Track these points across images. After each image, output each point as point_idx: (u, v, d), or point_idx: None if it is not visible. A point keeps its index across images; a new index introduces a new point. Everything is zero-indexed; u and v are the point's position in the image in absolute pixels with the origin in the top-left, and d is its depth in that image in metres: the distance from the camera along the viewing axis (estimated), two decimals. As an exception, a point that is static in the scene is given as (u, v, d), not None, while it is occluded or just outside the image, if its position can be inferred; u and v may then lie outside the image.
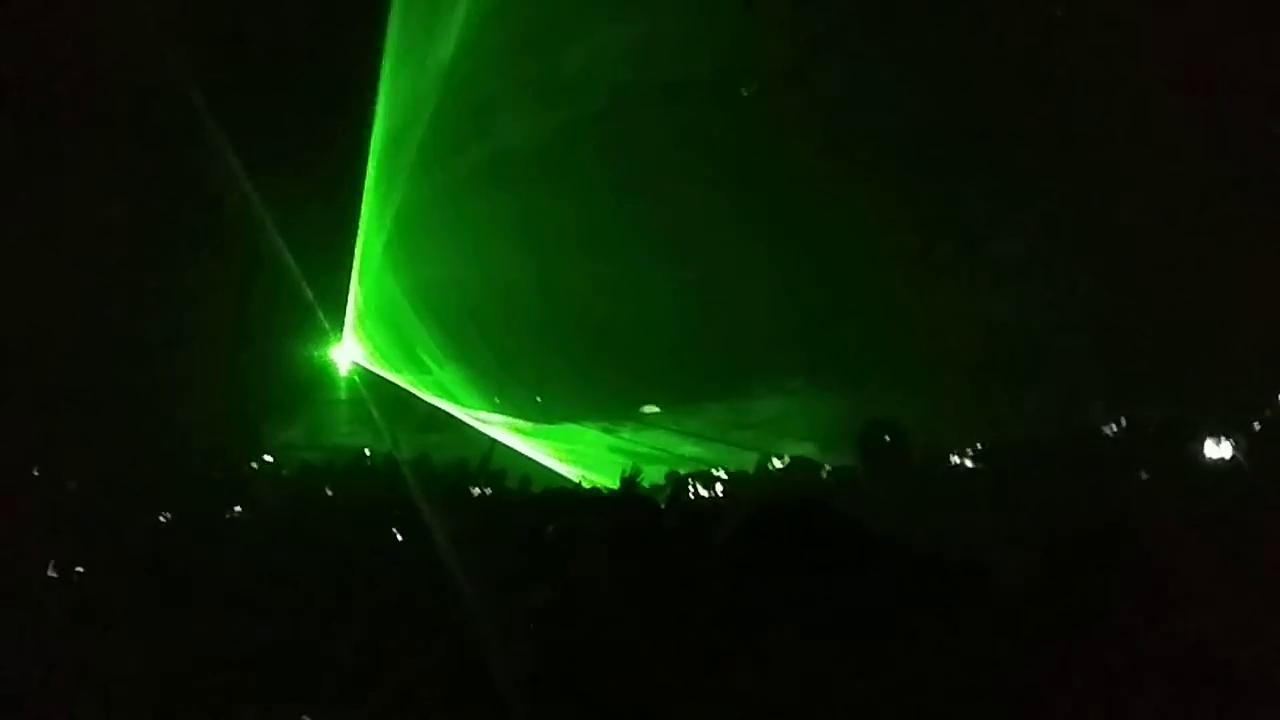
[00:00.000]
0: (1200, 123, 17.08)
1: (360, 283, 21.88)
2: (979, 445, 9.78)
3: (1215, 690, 2.92)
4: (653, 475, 13.75)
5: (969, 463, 9.23)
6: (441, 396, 22.23)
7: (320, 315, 19.95)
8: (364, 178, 20.91)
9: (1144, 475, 6.07)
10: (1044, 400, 16.85)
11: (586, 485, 14.49)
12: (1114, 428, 10.14)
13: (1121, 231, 18.39)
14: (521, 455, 19.79)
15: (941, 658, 2.62)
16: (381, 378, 22.09)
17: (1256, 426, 9.27)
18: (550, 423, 22.82)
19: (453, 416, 21.89)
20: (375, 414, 18.86)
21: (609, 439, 21.87)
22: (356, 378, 21.95)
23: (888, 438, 5.51)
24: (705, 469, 13.12)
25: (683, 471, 13.17)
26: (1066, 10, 18.09)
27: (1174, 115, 17.42)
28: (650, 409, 23.14)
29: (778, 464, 13.13)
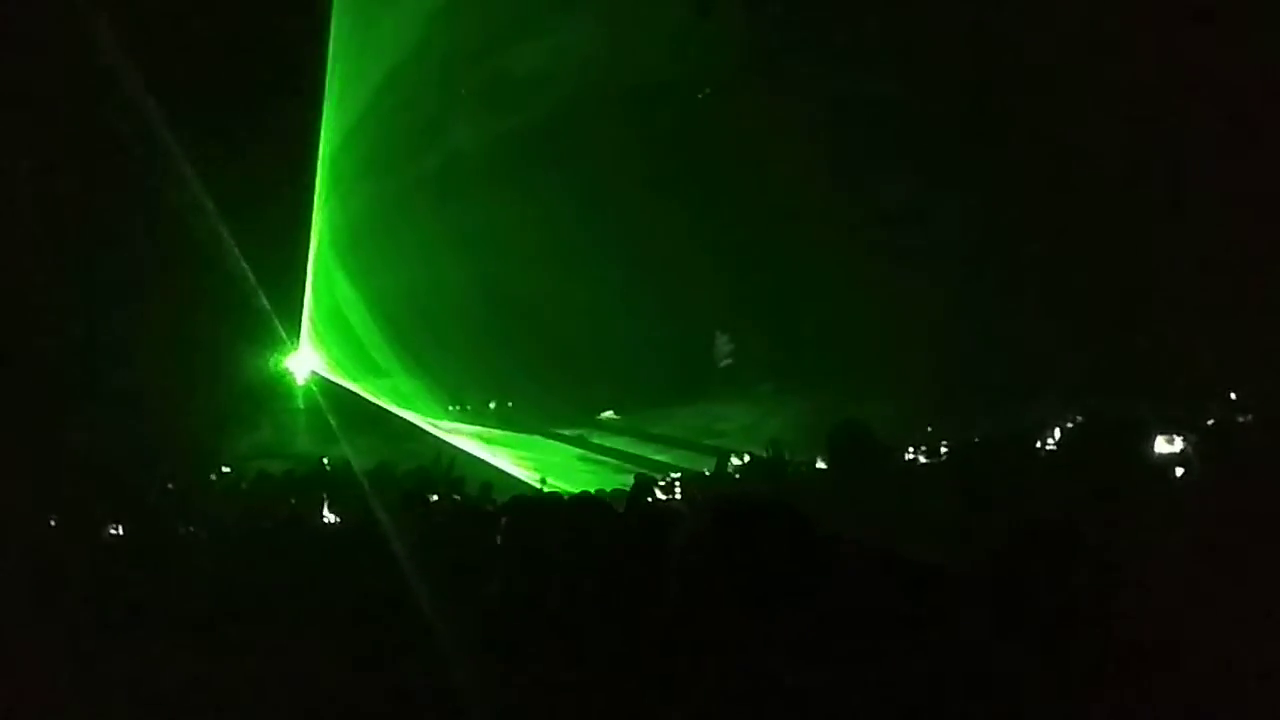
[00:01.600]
0: (1164, 122, 17.22)
1: (314, 291, 21.72)
2: (943, 443, 9.88)
3: (1174, 684, 2.95)
4: (622, 483, 13.69)
5: (925, 459, 9.33)
6: (400, 404, 22.10)
7: (276, 324, 19.81)
8: (314, 185, 20.79)
9: (1099, 471, 6.13)
10: (1004, 398, 16.96)
11: (546, 490, 14.43)
12: (1070, 424, 10.27)
13: (1081, 233, 18.56)
14: (482, 462, 19.70)
15: (902, 654, 2.62)
16: (339, 386, 21.93)
17: (1209, 423, 9.41)
18: (510, 429, 22.76)
19: (412, 424, 21.77)
20: (333, 423, 18.70)
21: (577, 448, 21.75)
22: (314, 386, 21.77)
23: (854, 437, 5.50)
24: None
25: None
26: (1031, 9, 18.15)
27: (1135, 114, 17.56)
28: (609, 415, 23.12)
29: (736, 463, 13.20)
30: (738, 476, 12.10)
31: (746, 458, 13.32)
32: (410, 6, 20.99)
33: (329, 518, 8.90)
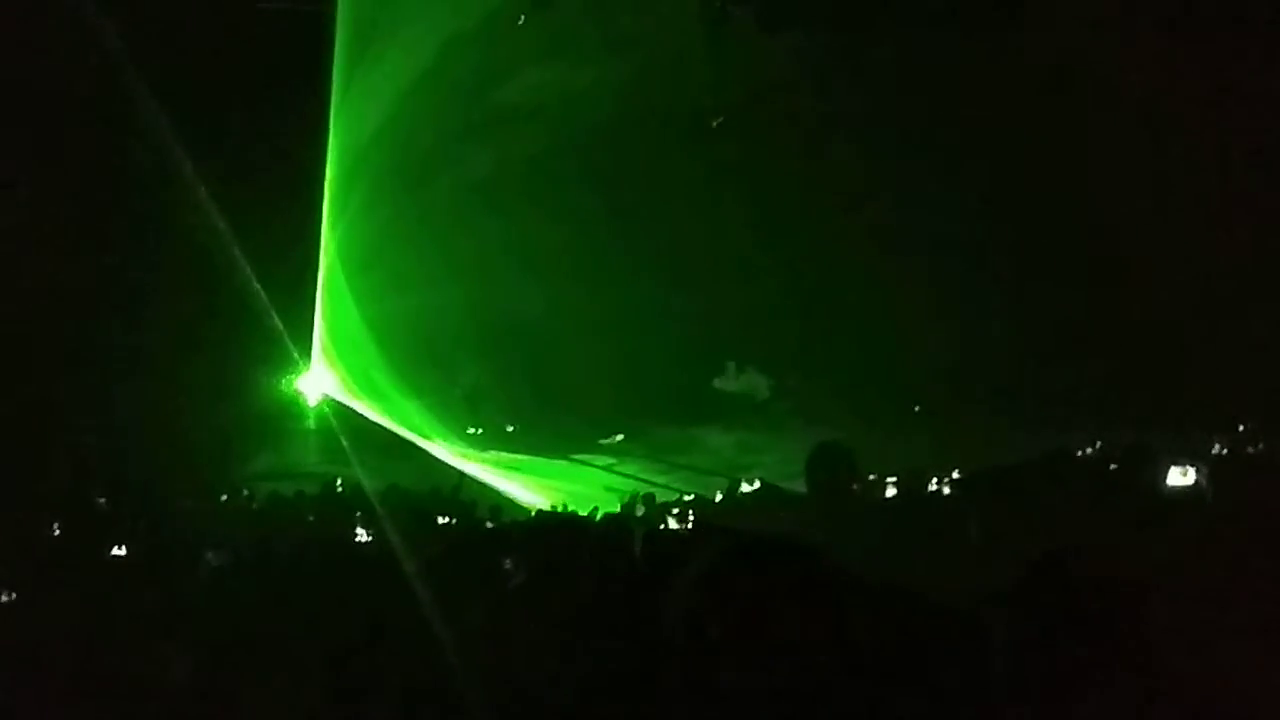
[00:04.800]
0: (1178, 141, 17.20)
1: (325, 313, 21.79)
2: (955, 473, 9.84)
3: (1183, 714, 2.91)
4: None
5: (946, 489, 9.29)
6: (411, 427, 22.07)
7: (288, 344, 19.89)
8: (324, 206, 20.91)
9: (1112, 499, 6.11)
10: (1016, 426, 16.94)
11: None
12: (1084, 452, 10.25)
13: (1094, 261, 18.56)
14: (496, 489, 19.63)
15: (913, 687, 2.60)
16: (351, 408, 21.94)
17: (1221, 453, 9.39)
18: (528, 454, 22.69)
19: (423, 448, 21.73)
20: (345, 444, 18.71)
21: (602, 476, 21.51)
22: (326, 408, 21.80)
23: (834, 463, 5.40)
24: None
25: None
26: (1038, 29, 18.17)
27: (1152, 142, 17.54)
28: (634, 444, 23.00)
29: (747, 489, 13.16)
30: (747, 505, 12.05)
31: (758, 484, 13.27)
32: (423, 32, 21.12)
33: (361, 535, 8.92)
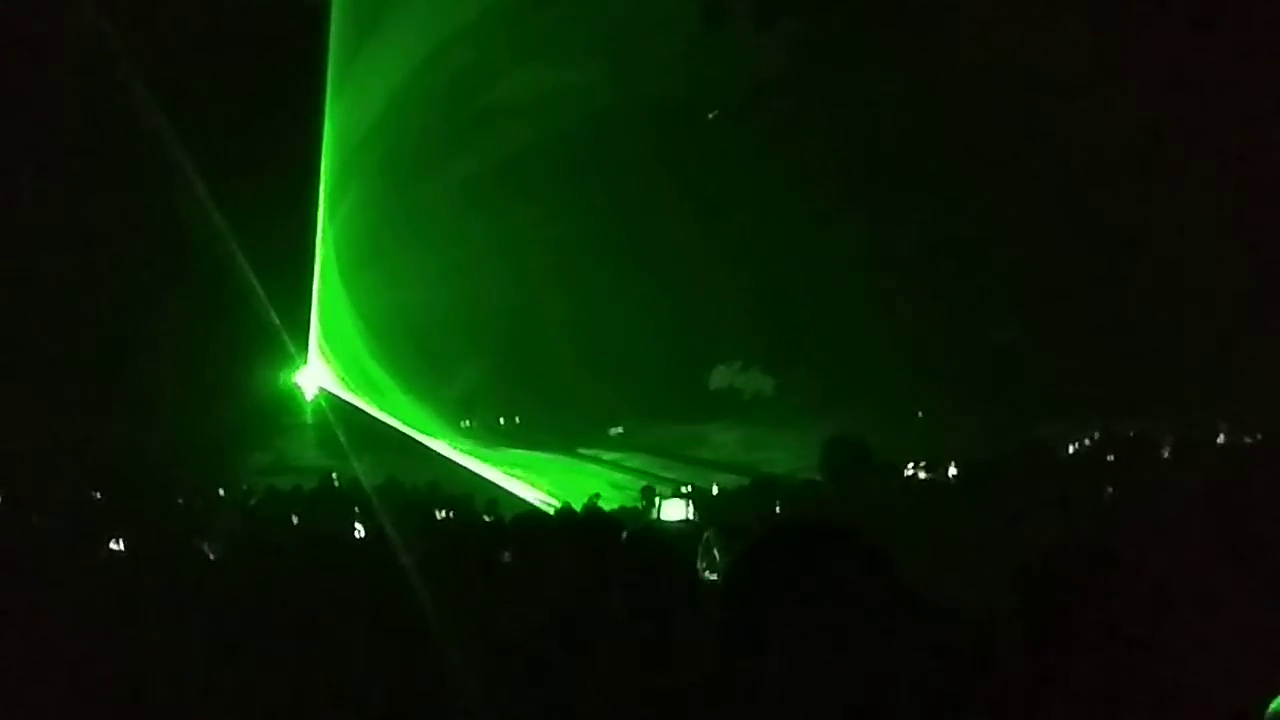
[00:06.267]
0: (1183, 135, 17.18)
1: (322, 308, 21.78)
2: (953, 462, 9.84)
3: (1187, 711, 2.89)
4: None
5: (944, 479, 9.28)
6: (408, 422, 22.06)
7: (286, 340, 19.90)
8: (320, 203, 20.91)
9: (1111, 489, 6.10)
10: (1018, 416, 16.95)
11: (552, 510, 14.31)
12: (1086, 441, 10.27)
13: (1095, 252, 18.57)
14: (490, 480, 19.60)
15: (910, 675, 2.57)
16: (347, 403, 21.93)
17: (1221, 440, 9.41)
18: (523, 447, 22.67)
19: (418, 440, 21.73)
20: (342, 438, 18.71)
21: (610, 473, 21.46)
22: (323, 402, 21.79)
23: (851, 453, 5.40)
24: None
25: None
26: (1034, 28, 18.16)
27: (1155, 128, 17.52)
28: (616, 430, 22.99)
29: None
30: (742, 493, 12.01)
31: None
32: (416, 30, 21.10)
33: (359, 531, 8.92)
